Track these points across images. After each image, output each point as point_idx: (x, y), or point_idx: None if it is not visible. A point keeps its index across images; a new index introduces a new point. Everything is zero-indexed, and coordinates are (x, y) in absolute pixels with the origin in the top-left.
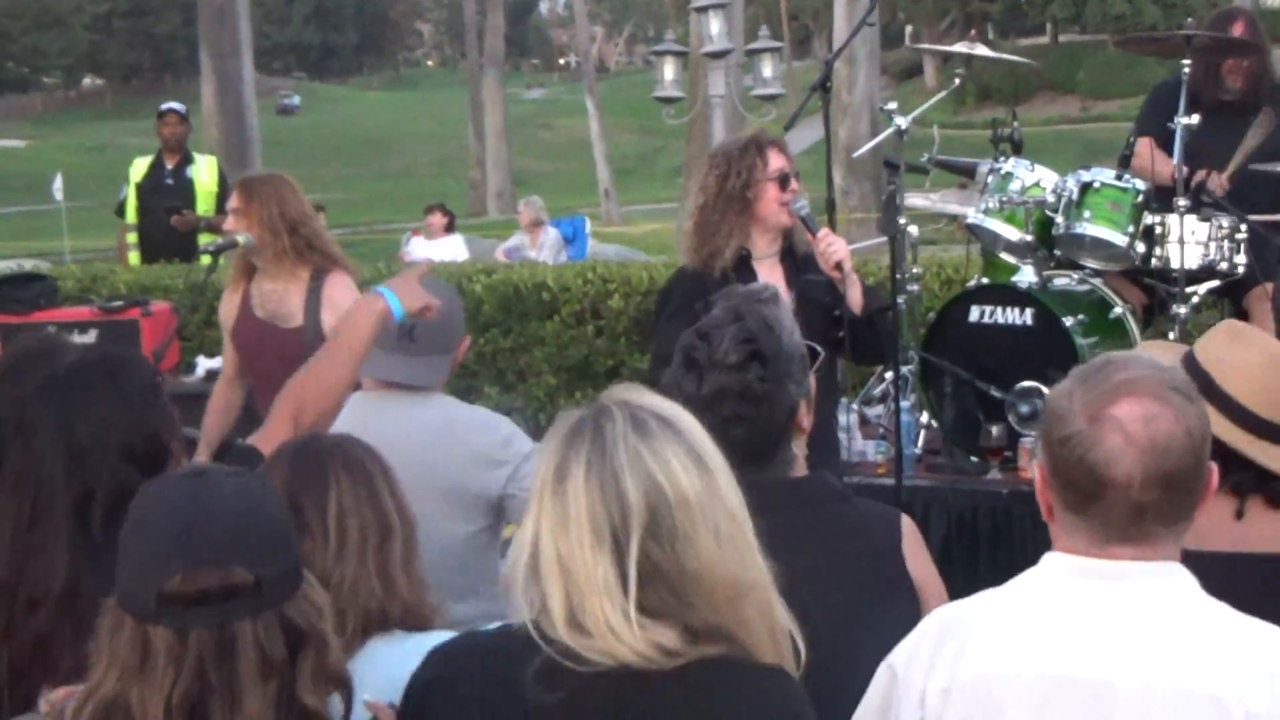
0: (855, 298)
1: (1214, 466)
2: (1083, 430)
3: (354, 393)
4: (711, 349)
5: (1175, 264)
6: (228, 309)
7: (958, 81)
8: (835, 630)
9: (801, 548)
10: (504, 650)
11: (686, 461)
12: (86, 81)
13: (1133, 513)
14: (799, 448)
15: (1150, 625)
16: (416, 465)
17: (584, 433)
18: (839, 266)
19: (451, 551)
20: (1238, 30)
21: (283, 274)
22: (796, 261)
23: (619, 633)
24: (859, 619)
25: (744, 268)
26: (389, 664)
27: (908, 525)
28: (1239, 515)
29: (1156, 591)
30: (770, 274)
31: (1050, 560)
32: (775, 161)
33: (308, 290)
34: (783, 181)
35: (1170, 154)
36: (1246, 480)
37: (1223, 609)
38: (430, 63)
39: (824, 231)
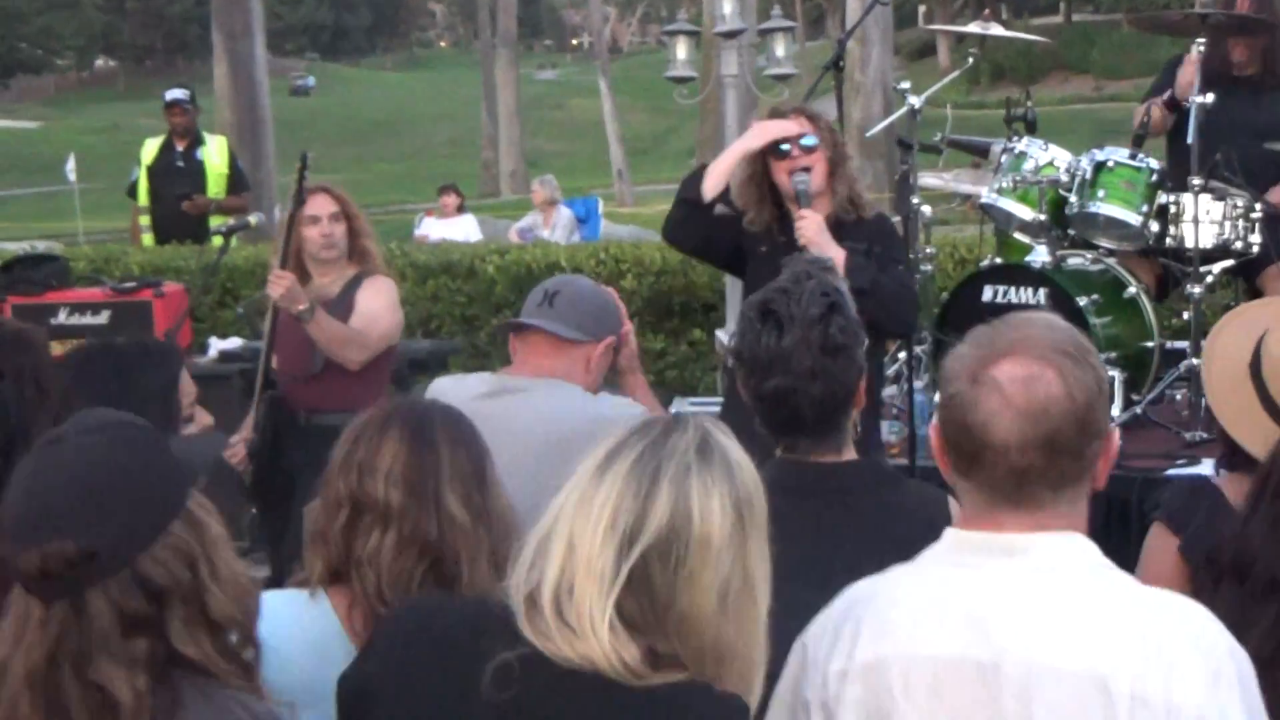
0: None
1: (1112, 430)
2: (963, 391)
3: (489, 378)
4: (791, 303)
5: (1189, 243)
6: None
7: (971, 61)
8: None
9: (858, 531)
10: (474, 633)
11: (728, 506)
12: (99, 63)
13: (1014, 477)
14: (851, 431)
15: (1040, 601)
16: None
17: (651, 432)
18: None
19: None
20: (1243, 7)
21: (334, 271)
22: (841, 232)
23: (595, 625)
24: None
25: (785, 223)
26: None
27: (956, 507)
28: None
29: (1049, 565)
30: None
31: (948, 535)
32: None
33: (345, 285)
34: (778, 152)
35: (1184, 131)
36: None
37: (1123, 582)
38: (443, 43)
39: (801, 213)
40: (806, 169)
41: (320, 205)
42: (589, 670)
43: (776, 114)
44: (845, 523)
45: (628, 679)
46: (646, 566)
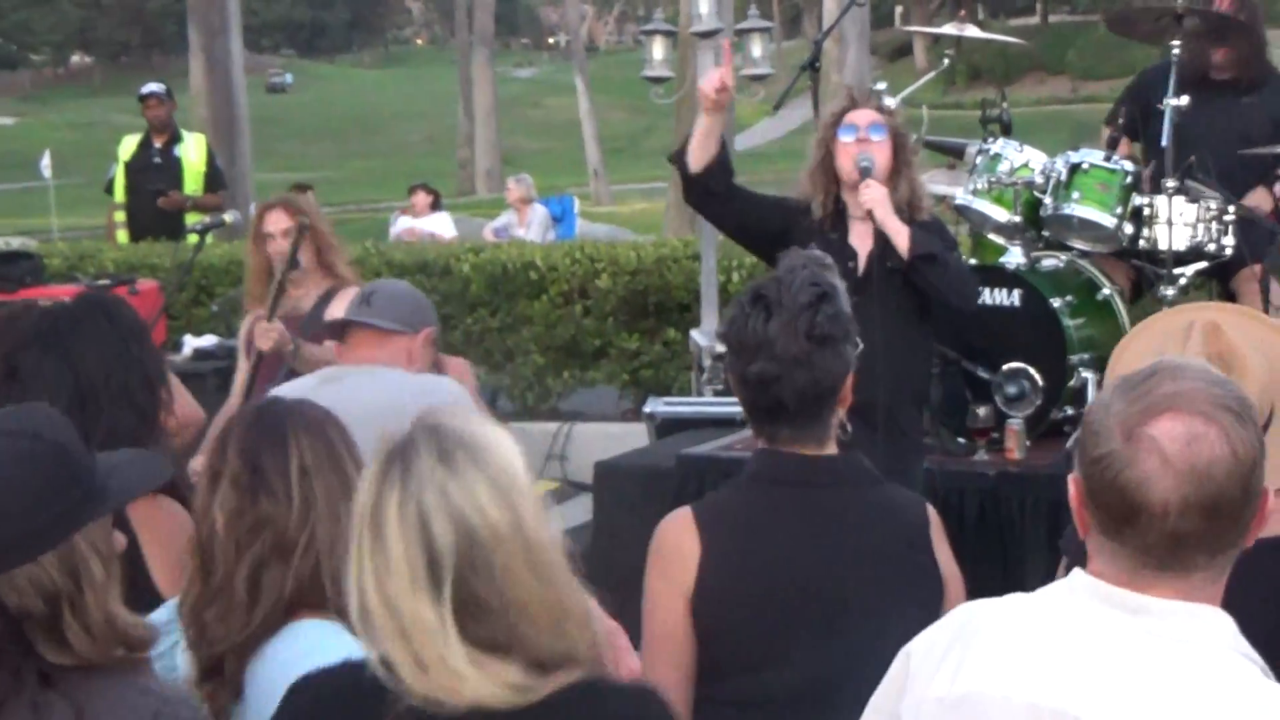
0: (901, 245)
1: (1267, 490)
2: (1117, 450)
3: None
4: (782, 289)
5: (1163, 245)
6: (247, 330)
7: (947, 62)
8: (865, 609)
9: (839, 526)
10: (358, 700)
11: (494, 493)
12: (75, 59)
13: (1169, 542)
14: (837, 422)
15: (1157, 673)
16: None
17: (394, 471)
18: (871, 214)
19: None
20: (1223, 6)
21: (304, 284)
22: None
23: (463, 674)
24: (888, 601)
25: (839, 220)
26: (290, 656)
27: (934, 515)
28: None
29: (1179, 636)
30: (861, 237)
31: (1077, 580)
32: (851, 119)
33: (317, 300)
34: (846, 131)
35: (1156, 137)
36: None
37: (1249, 672)
38: (420, 41)
39: (866, 181)
40: (869, 152)
41: (274, 222)
42: (479, 712)
43: (856, 103)
44: (825, 516)
45: (520, 700)
46: (472, 592)
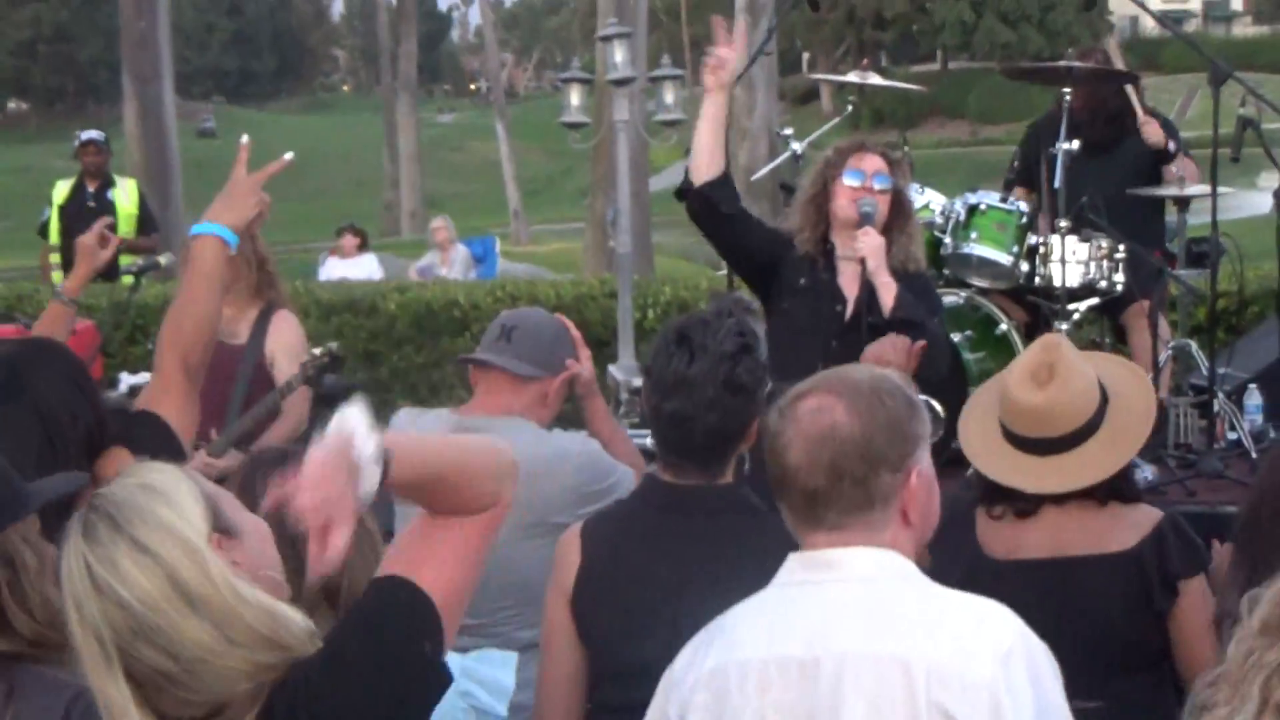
0: (885, 301)
1: (912, 467)
2: (773, 422)
3: (447, 417)
4: (708, 334)
5: (1057, 282)
6: None
7: (851, 108)
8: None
9: (698, 548)
10: None
11: (137, 556)
12: (10, 105)
13: (806, 500)
14: (733, 462)
15: (852, 605)
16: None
17: (60, 556)
18: (864, 262)
19: (527, 582)
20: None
21: (238, 302)
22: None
23: None
24: None
25: (828, 260)
26: None
27: None
28: None
29: (861, 576)
30: (850, 281)
31: (787, 560)
32: (857, 163)
33: (255, 321)
34: (851, 177)
35: (1052, 177)
36: None
37: (927, 586)
38: (346, 88)
39: (864, 229)
40: (873, 198)
41: None
42: None
43: (867, 148)
44: (687, 539)
45: None
46: (139, 660)
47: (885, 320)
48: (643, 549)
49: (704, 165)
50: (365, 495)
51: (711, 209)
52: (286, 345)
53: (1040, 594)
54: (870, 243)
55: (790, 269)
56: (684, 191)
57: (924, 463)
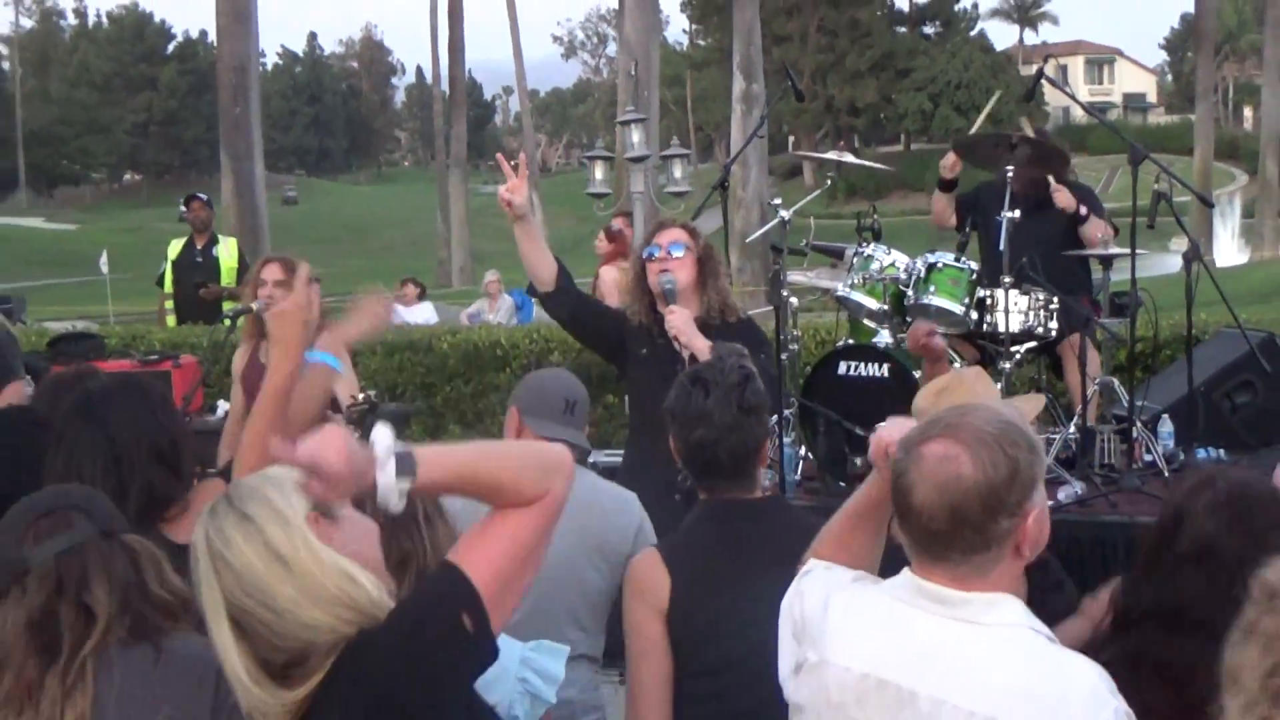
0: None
1: (1029, 510)
2: (900, 460)
3: None
4: (716, 371)
5: (1002, 328)
6: (239, 359)
7: (830, 182)
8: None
9: (757, 553)
10: None
11: (242, 526)
12: (127, 177)
13: (927, 538)
14: (761, 476)
15: (960, 648)
16: (573, 525)
17: (198, 535)
18: (677, 338)
19: (590, 598)
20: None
21: None
22: (709, 333)
23: (246, 686)
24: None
25: (660, 328)
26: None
27: None
28: None
29: (978, 619)
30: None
31: (904, 574)
32: (656, 239)
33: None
34: (649, 255)
35: (996, 240)
36: None
37: (1035, 641)
38: (406, 163)
39: (670, 308)
40: (671, 270)
41: (269, 272)
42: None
43: (665, 225)
44: (756, 542)
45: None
46: (248, 614)
47: None
48: (716, 562)
49: (538, 279)
50: (384, 489)
51: (554, 312)
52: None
53: None
54: (675, 322)
55: (633, 341)
56: (535, 294)
57: (1039, 502)
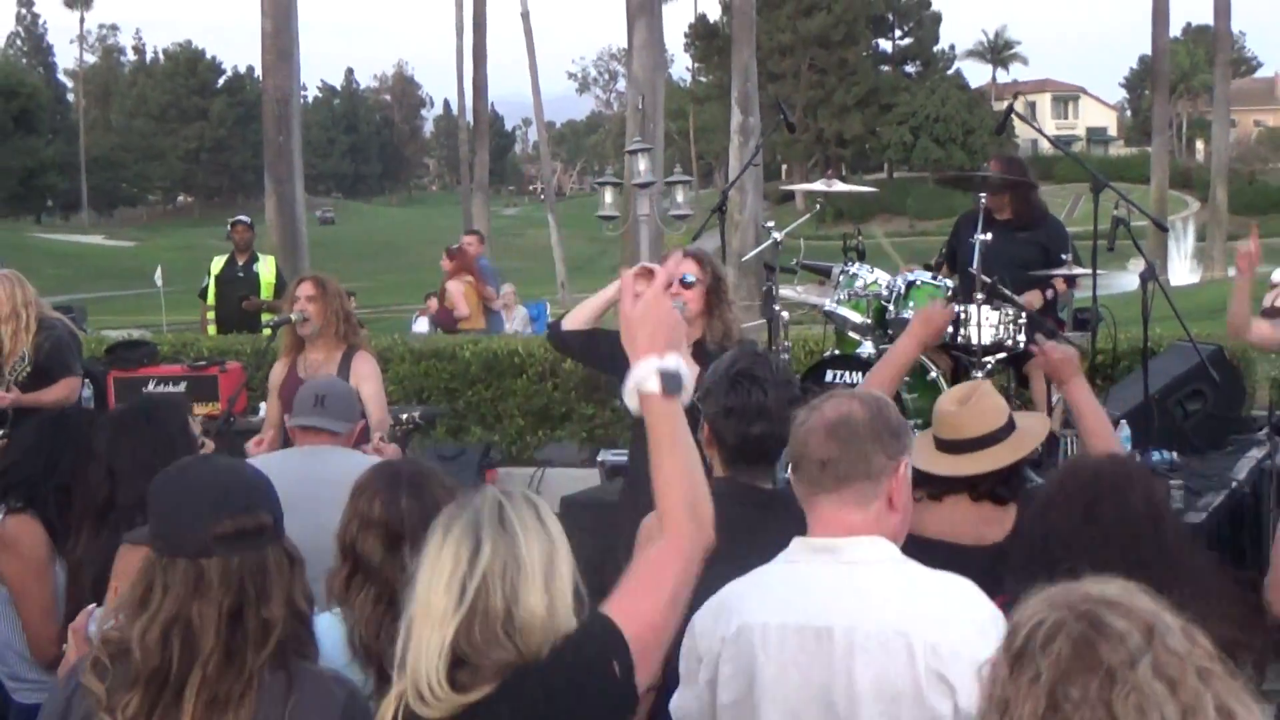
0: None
1: (901, 459)
2: (801, 412)
3: (283, 450)
4: (767, 369)
5: (975, 341)
6: (277, 372)
7: (819, 206)
8: None
9: (764, 536)
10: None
11: (543, 523)
12: (180, 199)
13: (819, 464)
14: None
15: (857, 582)
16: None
17: (463, 501)
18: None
19: None
20: (995, 168)
21: (327, 347)
22: (703, 357)
23: (429, 665)
24: None
25: None
26: None
27: None
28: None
29: (859, 559)
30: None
31: (793, 543)
32: (667, 266)
33: (340, 361)
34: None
35: (969, 260)
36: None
37: (915, 568)
38: (434, 187)
39: None
40: (682, 299)
41: (303, 289)
42: (435, 717)
43: (687, 254)
44: (773, 527)
45: (441, 711)
46: (486, 593)
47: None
48: (723, 537)
49: (578, 322)
50: (650, 373)
51: (564, 345)
52: (365, 376)
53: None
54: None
55: (612, 354)
56: (551, 330)
57: (907, 464)
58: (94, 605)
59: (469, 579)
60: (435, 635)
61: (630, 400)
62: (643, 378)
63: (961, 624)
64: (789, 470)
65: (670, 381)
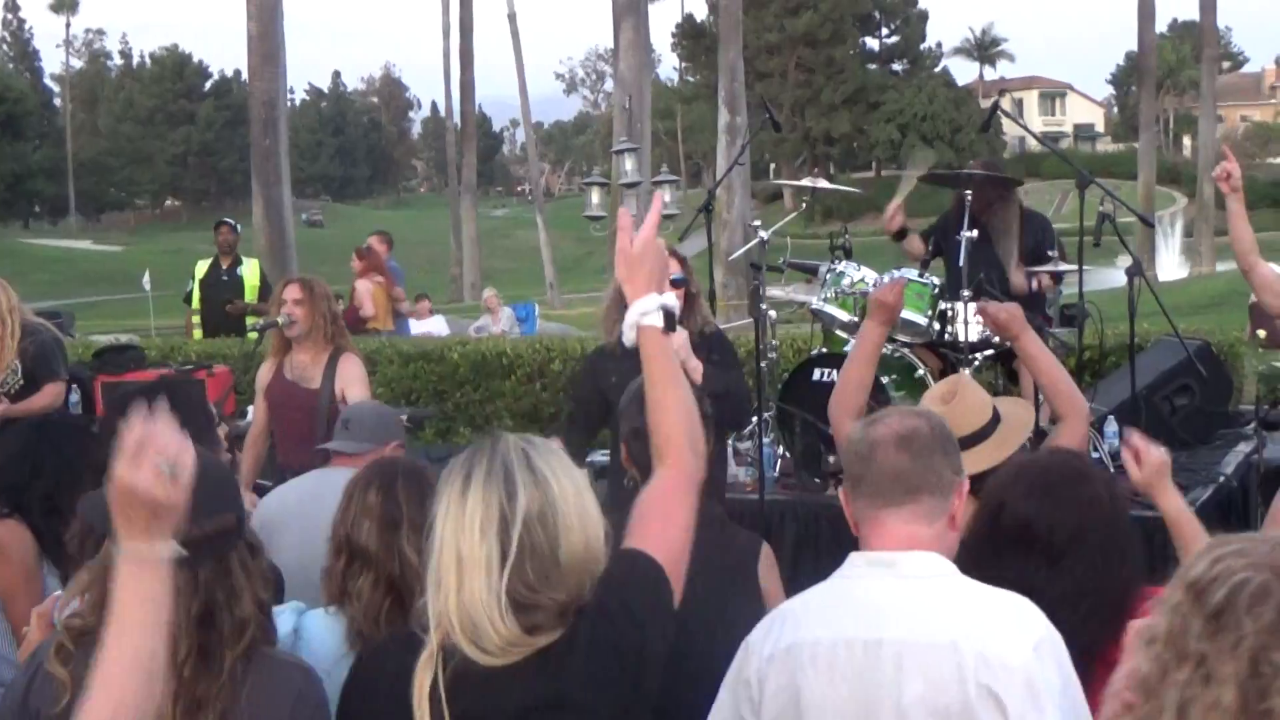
0: (696, 380)
1: (964, 481)
2: (858, 428)
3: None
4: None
5: (962, 338)
6: (264, 373)
7: (805, 205)
8: (707, 617)
9: (708, 552)
10: (409, 654)
11: (568, 466)
12: (168, 203)
13: (890, 477)
14: None
15: (912, 596)
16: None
17: (482, 449)
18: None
19: None
20: (975, 168)
21: (314, 349)
22: (703, 347)
23: (490, 613)
24: (722, 612)
25: (633, 353)
26: None
27: (766, 551)
28: None
29: (914, 573)
30: None
31: (850, 557)
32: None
33: (327, 363)
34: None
35: (956, 258)
36: None
37: (968, 583)
38: (422, 189)
39: (676, 331)
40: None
41: (290, 292)
42: (501, 664)
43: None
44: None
45: (510, 656)
46: (530, 536)
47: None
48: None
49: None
50: (650, 308)
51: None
52: (352, 379)
53: None
54: (681, 342)
55: (603, 383)
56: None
57: (965, 486)
58: (58, 592)
59: (511, 524)
60: (484, 582)
61: (629, 334)
62: (647, 311)
63: (1015, 640)
64: (839, 487)
65: (670, 318)
